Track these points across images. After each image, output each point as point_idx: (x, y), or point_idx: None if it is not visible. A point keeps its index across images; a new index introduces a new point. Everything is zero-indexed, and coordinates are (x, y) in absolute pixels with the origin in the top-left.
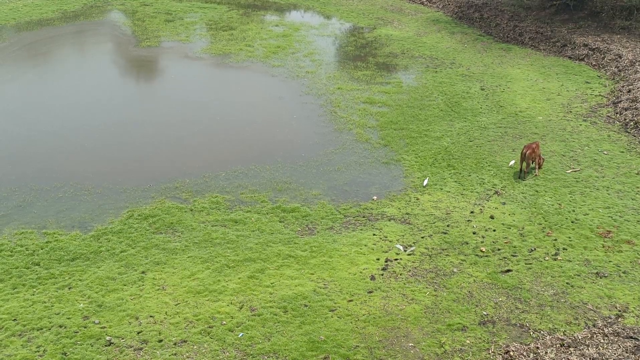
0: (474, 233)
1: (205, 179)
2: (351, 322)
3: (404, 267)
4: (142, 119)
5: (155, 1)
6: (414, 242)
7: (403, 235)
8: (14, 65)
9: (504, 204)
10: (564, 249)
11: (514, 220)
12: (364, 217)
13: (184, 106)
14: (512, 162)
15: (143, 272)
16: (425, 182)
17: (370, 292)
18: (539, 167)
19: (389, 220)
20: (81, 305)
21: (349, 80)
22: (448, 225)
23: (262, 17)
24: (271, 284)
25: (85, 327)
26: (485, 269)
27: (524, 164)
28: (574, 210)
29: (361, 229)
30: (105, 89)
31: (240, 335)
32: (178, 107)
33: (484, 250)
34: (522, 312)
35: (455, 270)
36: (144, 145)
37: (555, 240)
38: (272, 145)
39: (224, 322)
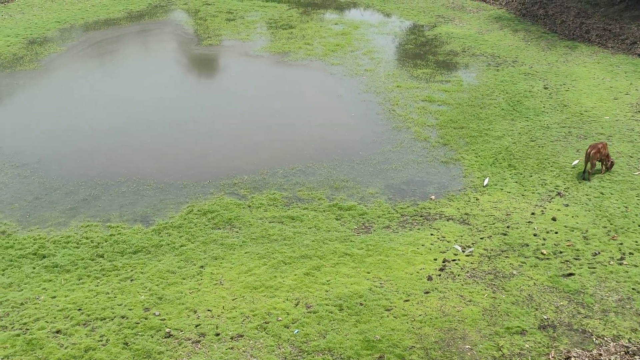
0: (534, 235)
1: (263, 176)
2: (407, 322)
3: (461, 268)
4: (203, 116)
5: (217, 0)
6: (472, 243)
7: (461, 236)
8: (82, 64)
9: (566, 205)
10: (630, 253)
11: (577, 223)
12: (421, 216)
13: (244, 104)
14: (575, 162)
15: (202, 267)
16: (486, 181)
17: (427, 292)
18: (608, 169)
19: (447, 220)
20: (142, 297)
21: (408, 78)
22: (508, 227)
23: (322, 16)
24: (327, 281)
25: (146, 319)
26: (546, 272)
27: (589, 164)
28: None
29: (418, 229)
30: (168, 86)
31: (296, 332)
32: (237, 104)
33: (545, 252)
34: (585, 317)
35: (514, 272)
36: (204, 142)
37: (621, 244)
38: (330, 143)
39: (280, 318)
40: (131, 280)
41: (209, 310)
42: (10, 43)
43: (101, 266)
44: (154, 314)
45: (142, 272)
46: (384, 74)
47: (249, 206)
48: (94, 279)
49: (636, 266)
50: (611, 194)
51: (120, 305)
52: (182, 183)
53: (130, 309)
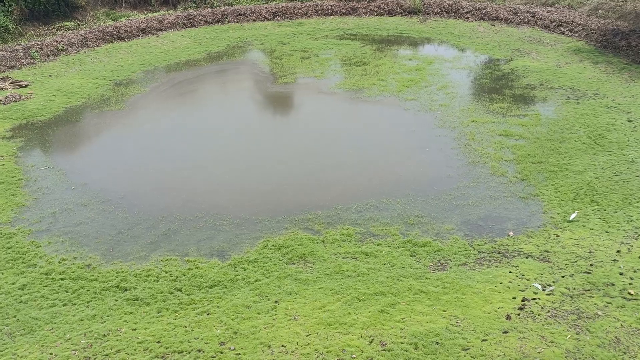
0: (620, 274)
1: (337, 211)
2: None
3: (542, 308)
4: (278, 152)
5: (292, 40)
6: (553, 281)
7: (541, 274)
8: (163, 103)
9: None
10: None
11: None
12: (499, 253)
13: (318, 139)
14: None
15: (276, 302)
16: (573, 216)
17: (505, 332)
18: None
19: (526, 257)
20: (218, 331)
21: (484, 112)
22: (591, 265)
23: (396, 52)
24: (402, 319)
25: (221, 353)
26: (634, 313)
27: None
28: None
29: (496, 266)
30: (244, 123)
31: None
32: (312, 140)
33: (632, 292)
34: None
35: (599, 313)
36: (279, 177)
37: None
38: (404, 178)
39: (354, 356)
40: (207, 314)
41: (283, 345)
42: (99, 85)
43: (179, 299)
44: (230, 348)
45: (218, 306)
46: (459, 109)
47: (323, 241)
48: (172, 312)
49: None
50: None
51: (197, 338)
52: (257, 218)
53: (206, 343)
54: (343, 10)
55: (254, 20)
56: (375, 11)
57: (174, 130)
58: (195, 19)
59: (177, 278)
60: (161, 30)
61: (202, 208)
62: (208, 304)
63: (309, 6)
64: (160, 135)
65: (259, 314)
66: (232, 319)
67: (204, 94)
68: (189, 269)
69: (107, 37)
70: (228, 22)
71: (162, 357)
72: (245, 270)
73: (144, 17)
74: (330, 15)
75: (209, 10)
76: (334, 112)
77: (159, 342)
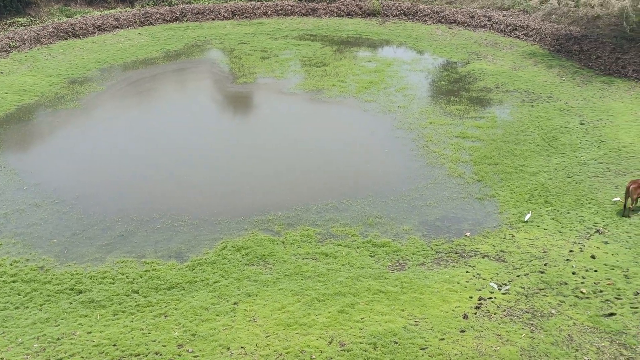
0: (573, 273)
1: (297, 212)
2: None
3: (498, 307)
4: (237, 152)
5: (251, 40)
6: (509, 281)
7: (497, 273)
8: (120, 102)
9: (606, 243)
10: None
11: (617, 261)
12: (456, 253)
13: (278, 140)
14: (616, 199)
15: (235, 303)
16: (527, 216)
17: (462, 331)
18: None
19: (483, 257)
20: (176, 333)
21: (442, 114)
22: (545, 264)
23: (355, 53)
24: (361, 319)
25: (179, 355)
26: (586, 311)
27: (629, 200)
28: None
29: (453, 266)
30: (203, 123)
31: None
32: (272, 141)
33: (584, 291)
34: (628, 359)
35: (553, 311)
36: (239, 178)
37: None
38: (364, 179)
39: (314, 356)
40: (165, 316)
41: (242, 347)
42: (52, 83)
43: (136, 302)
44: (188, 350)
45: (176, 309)
46: (418, 111)
47: (283, 242)
48: (128, 315)
49: None
50: None
51: (155, 341)
52: (216, 219)
53: (164, 345)
54: (303, 11)
55: (213, 19)
56: (335, 12)
57: (131, 129)
58: (153, 17)
59: (133, 280)
60: (117, 27)
61: (159, 209)
62: (166, 306)
63: (269, 6)
64: (117, 135)
65: (217, 315)
66: (191, 321)
67: (162, 93)
68: (146, 271)
69: (62, 34)
70: (186, 20)
71: None
72: (203, 271)
73: (100, 14)
74: (290, 15)
75: (167, 8)
76: (294, 112)
77: (115, 345)
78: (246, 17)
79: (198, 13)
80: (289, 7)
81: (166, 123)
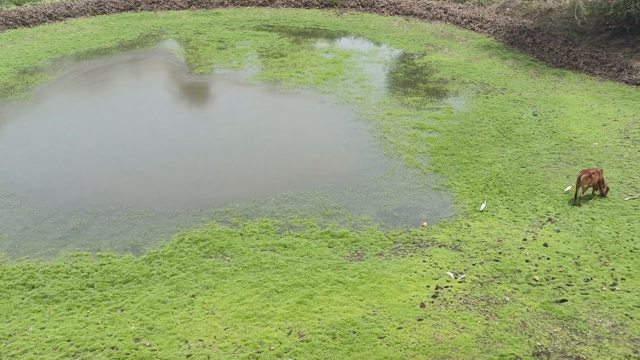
0: (526, 261)
1: (255, 204)
2: (400, 350)
3: (454, 295)
4: (195, 144)
5: (208, 30)
6: (464, 270)
7: (454, 262)
8: (73, 93)
9: (558, 231)
10: (622, 279)
11: (568, 249)
12: (413, 243)
13: (235, 132)
14: (568, 188)
15: (193, 296)
16: (483, 206)
17: (420, 319)
18: (603, 195)
19: (440, 246)
20: (133, 327)
21: (399, 106)
22: (500, 253)
23: (313, 44)
24: (320, 309)
25: (136, 349)
26: (539, 298)
27: (580, 189)
28: (632, 239)
29: (411, 256)
30: (159, 115)
31: None
32: (229, 132)
33: (537, 279)
34: (579, 344)
35: (507, 299)
36: (196, 170)
37: (613, 269)
38: (322, 170)
39: (272, 348)
40: (121, 310)
41: (200, 340)
42: (2, 73)
43: (91, 296)
44: (145, 344)
45: (132, 302)
46: (375, 102)
47: (241, 234)
48: (83, 309)
49: (628, 292)
50: (602, 219)
51: (111, 335)
52: (173, 212)
53: (120, 340)
54: (260, 1)
55: (169, 9)
56: (292, 3)
57: (84, 121)
58: (106, 6)
59: (88, 274)
60: (69, 16)
61: (115, 202)
62: (122, 300)
63: None
64: (70, 127)
65: (175, 308)
66: (148, 315)
67: (117, 84)
68: (101, 265)
69: (10, 23)
70: (141, 9)
71: (73, 356)
72: (160, 264)
73: (51, 3)
74: (247, 5)
75: None
76: (252, 104)
77: (69, 340)
78: (202, 7)
79: (153, 2)
80: None
81: (121, 114)
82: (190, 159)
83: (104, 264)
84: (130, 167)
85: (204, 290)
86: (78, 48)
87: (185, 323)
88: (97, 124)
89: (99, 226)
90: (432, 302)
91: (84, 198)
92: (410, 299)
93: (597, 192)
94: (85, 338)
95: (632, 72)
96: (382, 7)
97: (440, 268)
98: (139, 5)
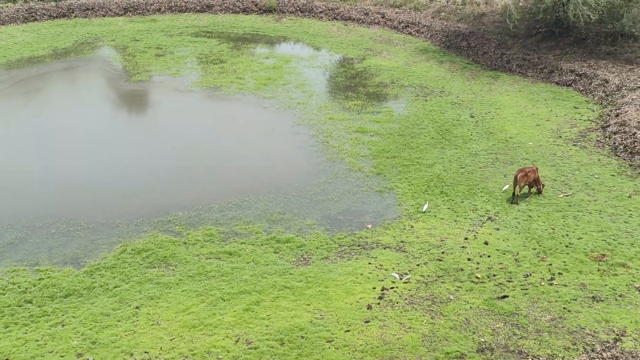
0: (468, 259)
1: (199, 212)
2: (348, 353)
3: (400, 296)
4: (134, 153)
5: (145, 36)
6: (409, 270)
7: (398, 264)
8: (5, 103)
9: (497, 229)
10: (559, 273)
11: (508, 246)
12: (359, 246)
13: (176, 139)
14: (505, 187)
15: (137, 307)
16: (425, 207)
17: (367, 321)
18: (539, 193)
19: (384, 248)
20: (75, 342)
21: (340, 110)
22: (443, 252)
23: (252, 50)
24: (267, 316)
25: None
26: (481, 295)
27: (517, 187)
28: (567, 235)
29: (356, 258)
30: (97, 124)
31: None
32: (170, 140)
33: (479, 276)
34: (520, 338)
35: (451, 297)
36: (137, 179)
37: (550, 265)
38: (265, 176)
39: (220, 356)
40: (62, 325)
41: (146, 352)
42: None
43: (30, 312)
44: (88, 359)
45: (74, 317)
46: (317, 107)
47: (185, 243)
48: (22, 326)
49: (565, 286)
50: (538, 216)
51: (52, 352)
52: (114, 222)
53: (62, 356)
54: (198, 7)
55: (104, 16)
56: (231, 9)
57: (18, 131)
58: (38, 13)
59: (26, 289)
60: None
61: (53, 214)
62: (63, 315)
63: (162, 2)
64: (3, 138)
65: (119, 321)
66: (90, 329)
67: (52, 93)
68: (40, 279)
69: None
70: (75, 16)
71: None
72: (102, 276)
73: None
74: (185, 12)
75: (53, 4)
76: (192, 110)
77: (7, 359)
78: (139, 13)
79: (87, 9)
80: (184, 3)
81: (57, 124)
82: (131, 168)
83: (43, 279)
84: (68, 178)
85: (149, 301)
86: (9, 57)
87: (130, 335)
88: (32, 134)
89: (36, 240)
90: (379, 303)
91: (20, 211)
92: (357, 302)
93: (534, 190)
94: (25, 356)
95: (562, 73)
96: (321, 12)
97: (386, 269)
98: (73, 12)
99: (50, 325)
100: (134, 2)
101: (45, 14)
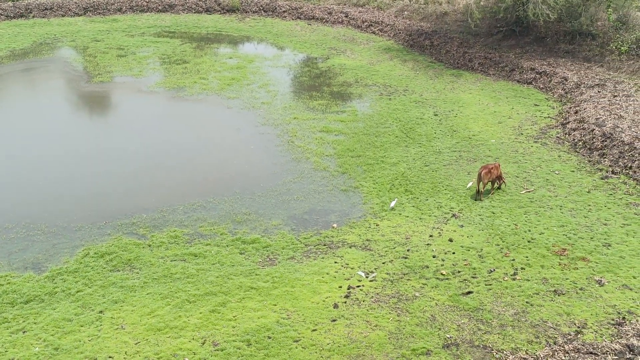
0: (433, 257)
1: (163, 214)
2: (316, 352)
3: (366, 294)
4: (96, 154)
5: (106, 37)
6: (375, 268)
7: (364, 262)
8: None
9: (461, 226)
10: (522, 268)
11: (472, 242)
12: (324, 245)
13: (139, 141)
14: (470, 184)
15: (101, 312)
16: (393, 204)
17: (333, 320)
18: (499, 188)
19: (350, 247)
20: (37, 349)
21: (305, 110)
22: (408, 250)
23: (216, 50)
24: (233, 317)
25: None
26: (446, 291)
27: (481, 184)
28: (529, 230)
29: (322, 258)
30: (57, 125)
31: None
32: (133, 142)
33: (444, 273)
34: (485, 333)
35: (417, 294)
36: (99, 181)
37: (513, 260)
38: (230, 176)
39: (187, 359)
40: (23, 332)
41: (110, 357)
42: None
43: None
44: None
45: (35, 323)
46: (281, 106)
47: (149, 245)
48: None
49: (528, 280)
50: (501, 212)
51: (12, 359)
52: (76, 225)
53: None
54: (160, 7)
55: (63, 16)
56: (193, 8)
57: None
58: None
59: None
60: None
61: (11, 218)
62: (24, 321)
63: (123, 2)
64: None
65: (82, 326)
66: (52, 335)
67: (9, 95)
68: None
69: None
70: (33, 17)
71: None
72: (65, 281)
73: None
74: (146, 11)
75: (10, 3)
76: (155, 111)
77: None
78: (99, 13)
79: (46, 9)
80: (145, 3)
81: (15, 126)
82: (93, 170)
83: (2, 284)
84: (27, 180)
85: (113, 305)
86: None
87: (94, 340)
88: None
89: None
90: (345, 302)
91: None
92: (324, 301)
93: (496, 186)
94: None
95: (522, 71)
96: (284, 11)
97: (352, 268)
98: (31, 12)
99: (10, 332)
100: (93, 2)
101: (2, 14)
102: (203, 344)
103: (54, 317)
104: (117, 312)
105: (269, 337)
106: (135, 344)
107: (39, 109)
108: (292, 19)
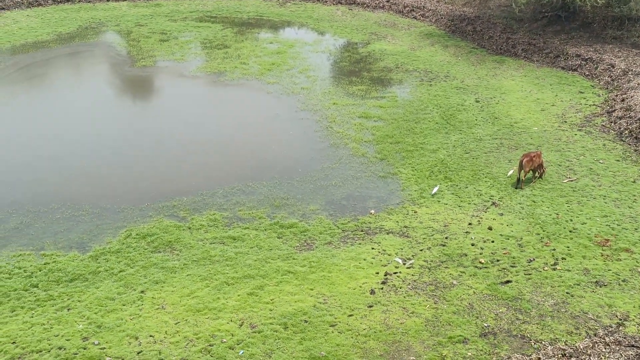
0: (472, 245)
1: (203, 197)
2: (352, 337)
3: (403, 281)
4: (139, 138)
5: (149, 21)
6: (412, 255)
7: (402, 249)
8: (9, 88)
9: (501, 215)
10: (562, 258)
11: (512, 231)
12: (362, 231)
13: (181, 125)
14: (510, 172)
15: (142, 292)
16: (435, 190)
17: (370, 306)
18: (540, 177)
19: (387, 233)
20: (80, 326)
21: (344, 95)
22: (446, 238)
23: (256, 35)
24: (271, 300)
25: (84, 349)
26: (484, 280)
27: (522, 172)
28: (571, 220)
29: (360, 243)
30: (101, 109)
31: (241, 353)
32: (174, 125)
33: (482, 261)
34: (523, 322)
35: (454, 282)
36: (141, 164)
37: (554, 250)
38: (269, 161)
39: (224, 340)
40: (68, 309)
41: (151, 335)
42: None
43: (35, 296)
44: (93, 343)
45: (79, 301)
46: (321, 92)
47: (189, 228)
48: (28, 310)
49: (569, 271)
50: (542, 201)
51: (57, 336)
52: (119, 207)
53: (67, 340)
54: None
55: (108, 0)
56: None
57: (23, 117)
58: None
59: (32, 274)
60: (3, 9)
61: (57, 199)
62: (68, 299)
63: None
64: (8, 123)
65: (124, 305)
66: (96, 313)
67: (56, 79)
68: (45, 264)
69: None
70: (79, 1)
71: (19, 358)
72: (107, 261)
73: None
74: None
75: None
76: (196, 96)
77: (14, 342)
78: None
79: None
80: None
81: (61, 110)
82: (136, 153)
83: (48, 263)
84: (73, 163)
85: (154, 286)
86: (13, 42)
87: (135, 319)
88: (36, 120)
89: (41, 224)
90: (382, 288)
91: (24, 197)
92: (360, 286)
93: (537, 175)
94: (31, 339)
95: (567, 58)
96: None
97: (389, 255)
98: None
99: (56, 309)
100: None
101: None
102: (241, 325)
103: (97, 295)
104: (158, 292)
105: (306, 321)
106: (175, 323)
107: (84, 93)
108: (333, 4)
